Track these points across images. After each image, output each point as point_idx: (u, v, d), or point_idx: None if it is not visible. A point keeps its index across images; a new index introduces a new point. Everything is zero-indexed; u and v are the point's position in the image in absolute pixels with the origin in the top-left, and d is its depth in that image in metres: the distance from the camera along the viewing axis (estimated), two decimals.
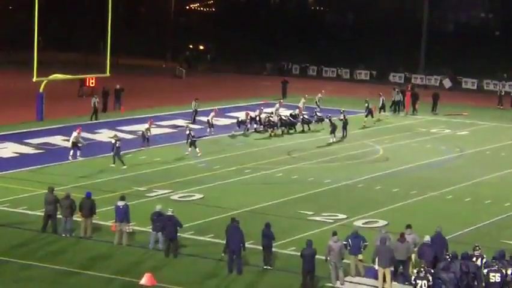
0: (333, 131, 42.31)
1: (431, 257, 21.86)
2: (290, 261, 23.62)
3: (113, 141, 35.50)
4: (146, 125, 39.13)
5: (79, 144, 36.18)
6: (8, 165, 34.78)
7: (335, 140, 42.28)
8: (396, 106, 53.45)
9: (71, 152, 35.90)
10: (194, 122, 45.35)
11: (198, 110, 46.19)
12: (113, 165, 34.80)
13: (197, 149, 37.43)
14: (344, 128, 43.37)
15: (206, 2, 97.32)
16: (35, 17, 43.51)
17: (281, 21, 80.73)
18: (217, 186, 32.65)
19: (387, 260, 21.93)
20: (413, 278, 20.53)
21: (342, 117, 43.60)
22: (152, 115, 47.44)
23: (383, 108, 51.00)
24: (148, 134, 38.73)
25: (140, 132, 39.44)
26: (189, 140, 37.57)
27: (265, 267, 23.30)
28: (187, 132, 38.21)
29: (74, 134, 36.17)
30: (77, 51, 76.03)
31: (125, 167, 34.54)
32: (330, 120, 43.01)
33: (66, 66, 60.04)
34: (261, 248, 23.67)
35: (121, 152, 35.20)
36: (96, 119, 45.69)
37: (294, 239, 25.65)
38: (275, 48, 77.70)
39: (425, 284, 20.13)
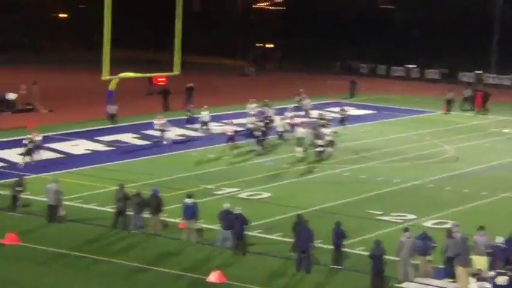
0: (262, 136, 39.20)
1: (504, 260, 21.47)
2: (359, 261, 23.51)
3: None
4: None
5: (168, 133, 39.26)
6: (80, 162, 35.47)
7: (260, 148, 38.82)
8: (466, 102, 52.97)
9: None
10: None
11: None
12: None
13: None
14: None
15: (274, 1, 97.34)
16: (107, 16, 43.92)
17: (350, 19, 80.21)
18: (285, 185, 32.66)
19: (466, 259, 21.67)
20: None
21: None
22: (220, 113, 47.68)
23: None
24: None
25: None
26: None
27: (334, 266, 23.21)
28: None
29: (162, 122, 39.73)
30: (147, 49, 76.94)
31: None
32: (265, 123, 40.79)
33: (136, 64, 60.70)
34: (329, 247, 23.61)
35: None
36: (113, 124, 43.94)
37: (363, 238, 25.50)
38: (344, 47, 77.24)
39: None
